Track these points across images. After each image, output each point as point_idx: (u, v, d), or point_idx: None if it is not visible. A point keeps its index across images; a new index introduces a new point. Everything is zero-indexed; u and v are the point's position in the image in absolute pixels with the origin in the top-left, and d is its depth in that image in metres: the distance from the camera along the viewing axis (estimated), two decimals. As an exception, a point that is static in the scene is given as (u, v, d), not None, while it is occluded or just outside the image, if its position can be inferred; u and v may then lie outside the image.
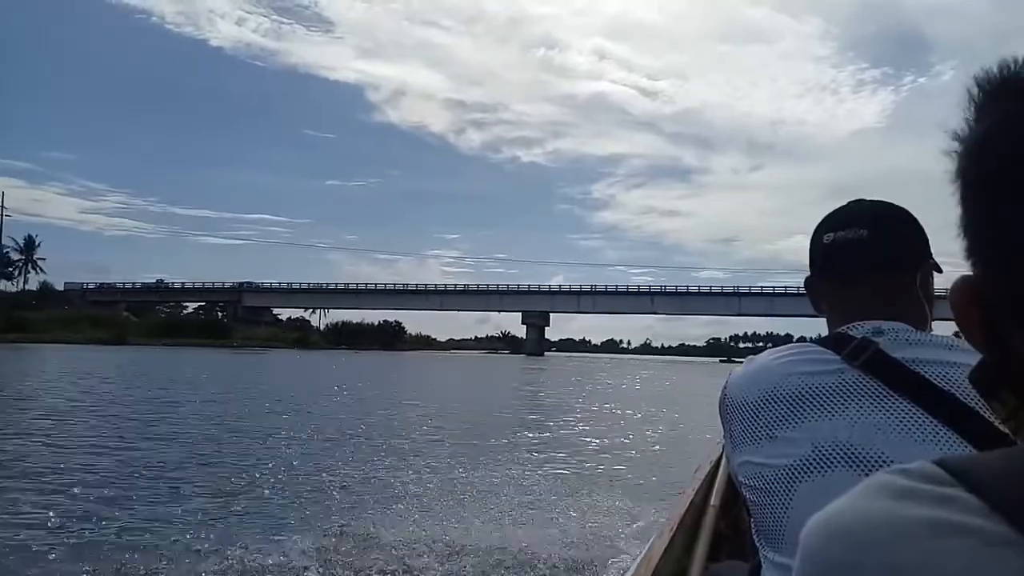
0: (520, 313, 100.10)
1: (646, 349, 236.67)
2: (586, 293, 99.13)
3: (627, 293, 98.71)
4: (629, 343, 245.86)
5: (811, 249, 1.16)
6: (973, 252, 0.39)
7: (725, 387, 1.10)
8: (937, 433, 0.88)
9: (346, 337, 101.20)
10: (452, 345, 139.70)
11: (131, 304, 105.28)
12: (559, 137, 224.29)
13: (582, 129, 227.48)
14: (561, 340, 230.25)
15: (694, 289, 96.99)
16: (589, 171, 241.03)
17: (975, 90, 0.39)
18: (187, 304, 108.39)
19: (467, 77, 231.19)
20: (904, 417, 0.90)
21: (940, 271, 1.09)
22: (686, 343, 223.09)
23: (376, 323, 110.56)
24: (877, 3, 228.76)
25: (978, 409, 0.86)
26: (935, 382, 0.91)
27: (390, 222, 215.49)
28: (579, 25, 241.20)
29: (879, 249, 1.08)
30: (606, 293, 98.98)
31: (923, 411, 0.89)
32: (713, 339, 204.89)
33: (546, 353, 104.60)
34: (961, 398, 0.88)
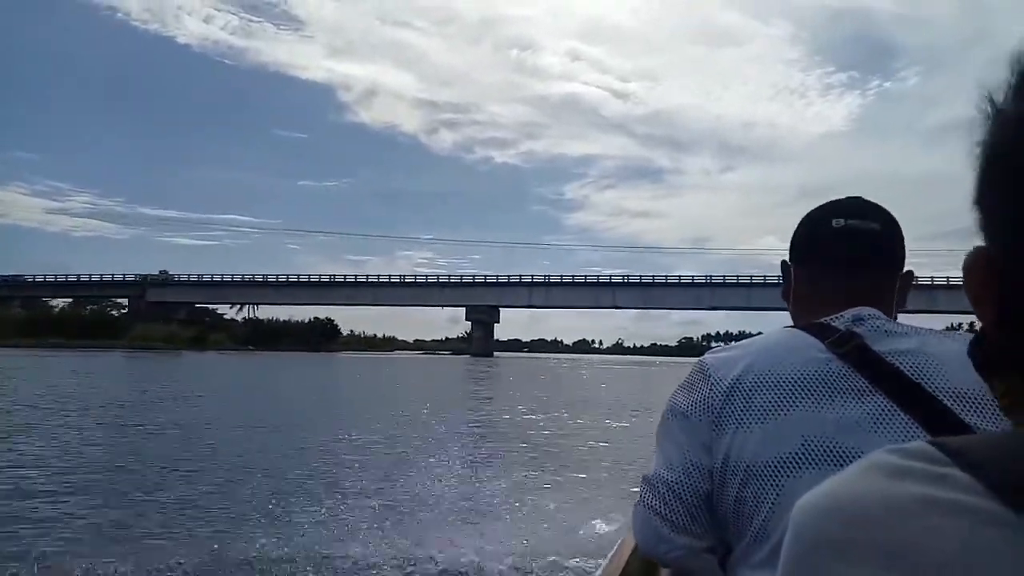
0: (464, 308, 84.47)
1: (618, 349, 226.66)
2: (538, 284, 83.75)
3: (584, 284, 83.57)
4: (601, 343, 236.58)
5: (807, 232, 1.11)
6: (994, 227, 0.37)
7: (706, 365, 1.02)
8: (910, 429, 0.89)
9: (265, 336, 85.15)
10: (403, 346, 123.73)
11: (26, 300, 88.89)
12: (532, 138, 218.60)
13: (555, 130, 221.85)
14: (533, 340, 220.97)
15: (660, 279, 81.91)
16: (562, 172, 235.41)
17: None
18: (118, 299, 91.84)
19: (439, 77, 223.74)
20: (881, 414, 0.90)
21: (916, 280, 1.12)
22: (658, 343, 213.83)
23: (308, 320, 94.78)
24: (844, 8, 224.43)
25: (948, 404, 0.88)
26: (910, 375, 0.91)
27: (362, 223, 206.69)
28: (553, 26, 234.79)
29: (885, 246, 1.07)
30: (560, 284, 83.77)
31: (899, 408, 0.90)
32: (685, 339, 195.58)
33: (496, 353, 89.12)
34: (932, 392, 0.90)
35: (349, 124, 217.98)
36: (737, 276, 79.04)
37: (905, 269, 1.10)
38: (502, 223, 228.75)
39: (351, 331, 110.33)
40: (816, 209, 1.11)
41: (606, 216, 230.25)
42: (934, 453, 0.34)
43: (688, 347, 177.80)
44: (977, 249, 0.38)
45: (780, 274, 1.15)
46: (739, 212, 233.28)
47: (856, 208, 1.08)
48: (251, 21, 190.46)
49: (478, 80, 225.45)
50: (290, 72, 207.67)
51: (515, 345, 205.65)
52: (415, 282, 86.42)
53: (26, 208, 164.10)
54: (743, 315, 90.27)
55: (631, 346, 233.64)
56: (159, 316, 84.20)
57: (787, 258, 1.15)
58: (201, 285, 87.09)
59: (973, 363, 0.40)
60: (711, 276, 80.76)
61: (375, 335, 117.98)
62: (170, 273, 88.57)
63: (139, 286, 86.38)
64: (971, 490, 0.31)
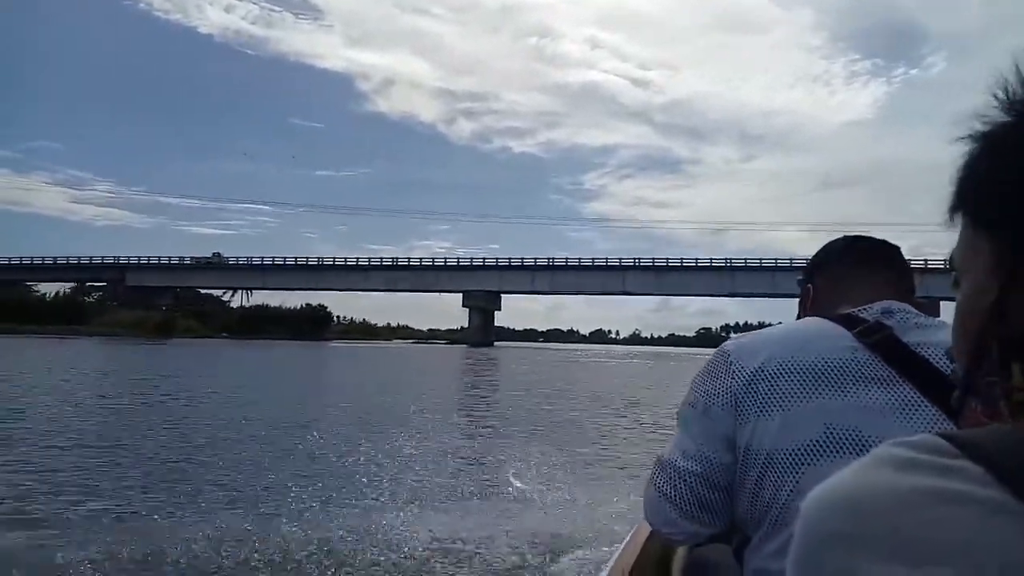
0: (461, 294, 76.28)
1: (635, 340, 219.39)
2: (542, 268, 75.25)
3: (591, 268, 74.85)
4: (618, 333, 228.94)
5: (824, 250, 1.16)
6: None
7: (728, 352, 1.00)
8: (936, 420, 0.87)
9: (249, 323, 77.86)
10: (403, 334, 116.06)
11: (5, 284, 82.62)
12: (550, 127, 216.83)
13: (574, 119, 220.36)
14: (549, 330, 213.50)
15: (675, 263, 72.91)
16: (580, 162, 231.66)
17: None
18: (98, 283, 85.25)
19: (458, 66, 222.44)
20: (908, 404, 0.88)
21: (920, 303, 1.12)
22: (676, 334, 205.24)
23: (299, 307, 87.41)
24: None
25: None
26: (939, 367, 0.89)
27: (379, 212, 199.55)
28: (572, 14, 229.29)
29: (897, 255, 1.12)
30: (565, 268, 75.21)
31: (925, 398, 0.88)
32: (703, 329, 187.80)
33: (497, 343, 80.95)
34: None
35: (367, 114, 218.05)
36: (760, 259, 69.89)
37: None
38: (520, 213, 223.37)
39: (352, 319, 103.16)
40: (833, 241, 1.17)
41: (624, 206, 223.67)
42: (943, 445, 0.33)
43: (707, 338, 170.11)
44: None
45: (801, 277, 1.15)
46: (759, 201, 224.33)
47: (863, 236, 1.14)
48: (271, 11, 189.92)
49: (496, 69, 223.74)
50: (309, 61, 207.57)
51: (531, 335, 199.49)
52: (408, 265, 78.48)
53: (49, 198, 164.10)
54: (765, 304, 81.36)
55: (648, 337, 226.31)
56: (140, 301, 77.42)
57: (802, 277, 1.15)
58: (183, 268, 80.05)
59: (986, 351, 0.39)
60: (731, 259, 71.78)
61: (373, 323, 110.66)
62: (223, 255, 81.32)
63: (119, 269, 79.56)
64: (981, 481, 0.31)
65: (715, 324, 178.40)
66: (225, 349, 45.06)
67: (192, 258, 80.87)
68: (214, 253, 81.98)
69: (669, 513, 1.02)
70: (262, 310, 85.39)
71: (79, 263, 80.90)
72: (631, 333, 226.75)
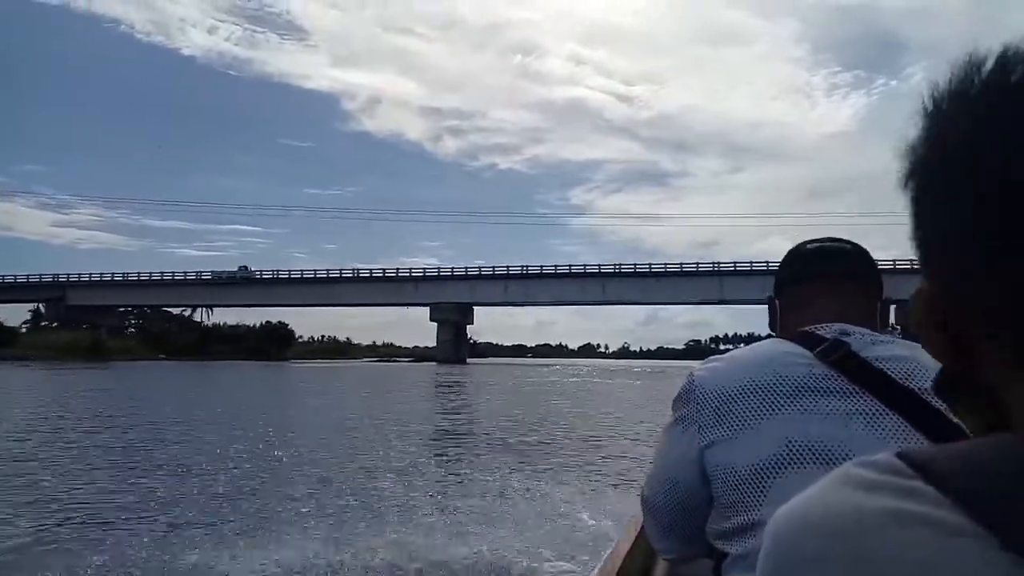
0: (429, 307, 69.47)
1: (624, 353, 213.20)
2: (515, 276, 68.68)
3: (568, 275, 68.30)
4: (607, 347, 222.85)
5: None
6: (935, 262, 0.37)
7: (692, 379, 1.03)
8: (899, 429, 0.88)
9: (200, 344, 70.79)
10: (387, 352, 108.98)
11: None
12: (537, 143, 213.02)
13: (559, 135, 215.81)
14: (537, 346, 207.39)
15: (659, 268, 66.51)
16: (567, 177, 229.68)
17: (939, 95, 0.36)
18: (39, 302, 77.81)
19: (443, 84, 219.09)
20: (869, 414, 0.89)
21: (893, 304, 1.12)
22: (665, 346, 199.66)
23: (259, 325, 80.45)
24: (850, 5, 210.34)
25: (937, 405, 0.86)
26: (897, 379, 0.91)
27: (368, 231, 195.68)
28: (557, 31, 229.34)
29: (861, 262, 1.10)
30: (540, 276, 68.57)
31: (887, 408, 0.89)
32: (692, 341, 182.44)
33: (470, 360, 74.12)
34: (920, 394, 0.89)
35: (354, 132, 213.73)
36: (751, 263, 63.62)
37: (884, 296, 1.10)
38: (508, 229, 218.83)
39: (328, 336, 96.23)
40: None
41: (612, 220, 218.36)
42: (901, 466, 0.33)
43: (695, 350, 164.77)
44: (923, 287, 0.38)
45: (769, 294, 1.16)
46: (747, 212, 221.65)
47: (825, 238, 1.13)
48: (255, 32, 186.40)
49: (482, 86, 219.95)
50: (294, 82, 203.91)
51: (520, 351, 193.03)
52: (371, 277, 71.68)
53: (32, 221, 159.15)
54: (757, 312, 74.90)
55: (637, 350, 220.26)
56: (84, 321, 70.28)
57: (770, 294, 1.15)
58: (128, 286, 72.94)
59: (937, 394, 0.40)
60: (719, 263, 65.50)
61: (358, 342, 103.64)
62: (250, 268, 73.44)
63: (58, 288, 72.40)
64: (937, 503, 0.31)
65: (704, 336, 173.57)
66: (136, 373, 38.33)
67: (140, 274, 73.79)
68: (241, 267, 73.56)
69: (659, 539, 1.11)
70: (217, 329, 78.43)
71: (15, 282, 73.73)
72: (620, 347, 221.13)
